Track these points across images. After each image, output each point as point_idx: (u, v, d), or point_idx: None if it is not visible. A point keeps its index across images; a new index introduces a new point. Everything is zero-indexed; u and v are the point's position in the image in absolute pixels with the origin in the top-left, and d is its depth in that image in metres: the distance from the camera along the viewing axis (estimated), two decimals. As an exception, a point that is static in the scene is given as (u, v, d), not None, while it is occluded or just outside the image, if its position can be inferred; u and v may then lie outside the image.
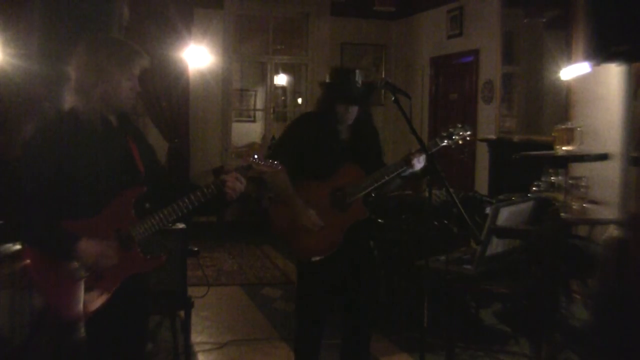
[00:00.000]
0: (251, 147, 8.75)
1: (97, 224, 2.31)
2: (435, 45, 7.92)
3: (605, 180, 4.75)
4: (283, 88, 11.69)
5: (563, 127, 5.14)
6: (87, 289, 2.30)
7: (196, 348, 4.29)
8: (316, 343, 3.42)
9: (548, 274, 3.79)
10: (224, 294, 5.58)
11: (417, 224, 4.72)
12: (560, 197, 4.58)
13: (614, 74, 4.75)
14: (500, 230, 3.73)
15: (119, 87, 2.34)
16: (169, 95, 7.83)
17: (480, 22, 6.98)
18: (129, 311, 2.42)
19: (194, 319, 4.26)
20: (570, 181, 4.70)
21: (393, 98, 2.84)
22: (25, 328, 3.03)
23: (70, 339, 2.29)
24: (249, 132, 10.63)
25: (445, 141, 3.31)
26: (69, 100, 2.35)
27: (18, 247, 3.12)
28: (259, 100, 11.18)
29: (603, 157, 4.96)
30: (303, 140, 3.30)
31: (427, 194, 3.00)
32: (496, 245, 3.84)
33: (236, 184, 2.44)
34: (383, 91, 8.70)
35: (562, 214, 4.31)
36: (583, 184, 4.66)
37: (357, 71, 3.33)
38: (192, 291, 3.98)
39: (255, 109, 11.38)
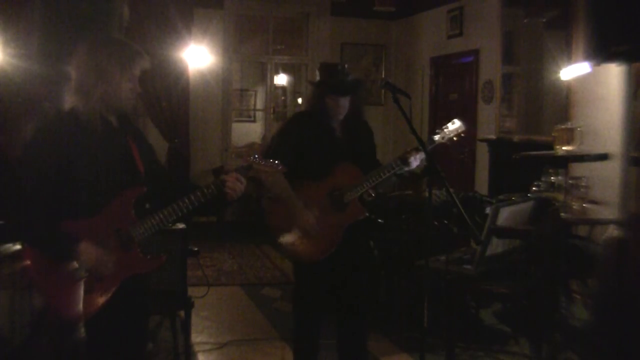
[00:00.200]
0: (251, 147, 8.74)
1: (97, 224, 2.31)
2: (435, 45, 7.92)
3: (605, 180, 4.75)
4: (283, 88, 11.69)
5: (563, 127, 5.14)
6: (87, 289, 2.30)
7: (196, 348, 4.29)
8: (315, 342, 3.41)
9: (548, 274, 3.80)
10: (224, 294, 5.58)
11: (417, 224, 4.72)
12: (560, 197, 4.58)
13: (614, 74, 4.75)
14: (500, 230, 3.73)
15: (119, 88, 2.34)
16: (169, 95, 7.83)
17: (480, 22, 6.98)
18: (129, 311, 2.42)
19: (194, 319, 4.26)
20: (570, 181, 4.70)
21: (393, 98, 2.84)
22: (25, 328, 3.03)
23: (70, 339, 2.28)
24: (249, 132, 10.63)
25: (438, 137, 3.32)
26: (69, 100, 2.35)
27: (18, 247, 3.12)
28: (259, 100, 11.18)
29: (603, 157, 4.96)
30: (298, 140, 3.28)
31: (427, 194, 3.00)
32: (496, 245, 3.84)
33: (236, 184, 2.44)
34: (383, 91, 8.74)
35: (562, 214, 4.31)
36: (583, 184, 4.66)
37: (345, 65, 3.35)
38: (192, 291, 3.98)
39: (255, 109, 11.38)
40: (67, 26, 3.41)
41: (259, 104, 11.11)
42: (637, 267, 2.79)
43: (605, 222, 4.48)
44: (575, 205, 4.57)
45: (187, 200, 2.40)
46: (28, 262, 2.33)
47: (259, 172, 2.53)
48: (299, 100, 10.58)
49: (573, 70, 5.14)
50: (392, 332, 4.52)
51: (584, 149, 5.06)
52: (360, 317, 3.44)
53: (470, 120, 7.12)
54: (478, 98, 7.08)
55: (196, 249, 4.03)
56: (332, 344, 3.58)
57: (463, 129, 3.39)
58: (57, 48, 3.37)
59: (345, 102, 3.28)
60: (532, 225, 3.96)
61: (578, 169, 5.17)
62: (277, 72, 10.13)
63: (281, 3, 8.58)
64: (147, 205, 2.48)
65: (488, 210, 4.10)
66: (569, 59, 5.41)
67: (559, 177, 4.71)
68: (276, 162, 2.53)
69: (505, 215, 3.76)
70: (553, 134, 5.18)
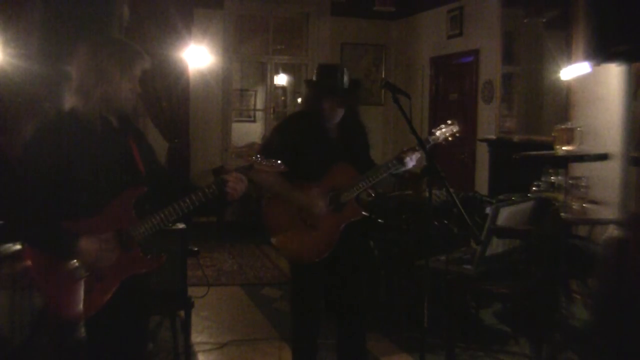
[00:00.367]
0: (251, 147, 8.71)
1: (97, 224, 2.31)
2: (435, 45, 7.92)
3: (605, 180, 4.75)
4: (283, 88, 11.68)
5: (563, 127, 5.14)
6: (87, 289, 2.30)
7: (196, 348, 4.29)
8: (313, 342, 3.41)
9: (548, 274, 3.80)
10: (224, 294, 5.58)
11: (417, 224, 4.72)
12: (560, 197, 4.58)
13: (614, 74, 4.75)
14: (500, 230, 3.73)
15: (119, 88, 2.34)
16: (169, 96, 7.83)
17: (480, 22, 6.98)
18: (129, 311, 2.42)
19: (194, 319, 4.26)
20: (570, 181, 4.70)
21: (393, 98, 2.83)
22: (25, 328, 3.03)
23: (70, 339, 2.29)
24: (249, 132, 10.62)
25: (432, 138, 3.33)
26: (69, 100, 2.35)
27: (18, 247, 3.12)
28: (259, 100, 11.17)
29: (603, 157, 4.96)
30: (293, 141, 3.26)
31: (427, 194, 3.00)
32: (496, 245, 3.84)
33: (238, 184, 2.44)
34: (383, 91, 8.75)
35: (562, 214, 4.31)
36: (583, 184, 4.66)
37: (344, 68, 3.32)
38: (192, 291, 3.98)
39: (255, 109, 11.37)
40: (67, 26, 3.41)
41: (259, 104, 11.10)
42: (637, 267, 2.79)
43: (605, 222, 4.48)
44: (575, 205, 4.57)
45: (188, 200, 2.39)
46: (28, 262, 2.33)
47: (260, 172, 2.52)
48: (299, 100, 10.57)
49: (573, 70, 5.14)
50: (392, 332, 4.52)
51: (584, 149, 5.06)
52: (360, 317, 3.44)
53: (470, 120, 7.13)
54: (478, 98, 7.09)
55: (196, 249, 4.03)
56: (331, 344, 3.58)
57: (457, 128, 3.40)
58: (57, 48, 3.37)
59: (342, 107, 3.28)
60: (532, 225, 3.96)
61: (578, 169, 5.17)
62: (277, 72, 10.13)
63: (281, 3, 8.58)
64: (147, 207, 2.48)
65: (488, 210, 4.10)
66: (569, 59, 5.41)
67: (559, 177, 4.71)
68: (278, 162, 2.52)
69: (505, 215, 3.76)
70: (553, 134, 5.18)
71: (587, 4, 3.28)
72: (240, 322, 4.87)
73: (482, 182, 6.80)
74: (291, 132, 3.32)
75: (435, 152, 3.27)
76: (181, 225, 3.76)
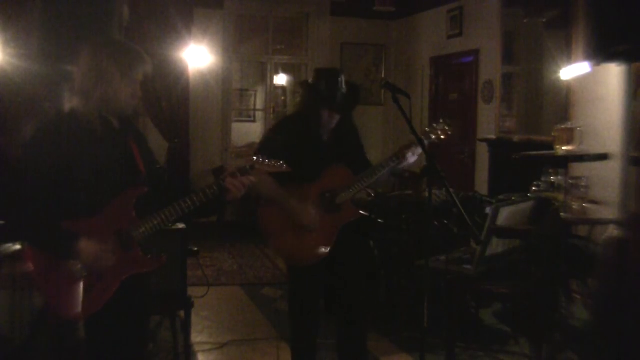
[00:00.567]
0: (251, 147, 8.71)
1: (97, 224, 2.31)
2: (435, 45, 7.92)
3: (605, 180, 4.75)
4: (283, 88, 11.68)
5: (563, 127, 5.14)
6: (87, 289, 2.30)
7: (196, 348, 4.29)
8: (313, 343, 3.41)
9: (548, 274, 3.80)
10: (224, 294, 5.58)
11: (417, 224, 4.72)
12: (560, 197, 4.58)
13: (614, 74, 4.75)
14: (500, 230, 3.74)
15: (119, 90, 2.34)
16: (169, 96, 7.83)
17: (480, 22, 6.98)
18: (129, 311, 2.42)
19: (194, 319, 4.26)
20: (570, 181, 4.71)
21: (393, 98, 2.83)
22: (25, 328, 3.04)
23: (70, 339, 2.29)
24: (249, 132, 10.61)
25: (425, 137, 3.31)
26: (69, 100, 2.35)
27: (18, 247, 3.12)
28: (259, 100, 11.17)
29: (603, 157, 4.96)
30: (287, 144, 3.23)
31: (427, 194, 3.00)
32: (496, 245, 3.84)
33: (239, 184, 2.44)
34: (383, 91, 8.75)
35: (562, 214, 4.31)
36: (583, 184, 4.67)
37: (342, 75, 3.30)
38: (192, 291, 3.98)
39: (255, 109, 11.37)
40: (67, 26, 3.40)
41: (259, 104, 11.10)
42: (637, 267, 2.79)
43: (605, 222, 4.48)
44: (575, 205, 4.57)
45: (188, 201, 2.40)
46: (28, 263, 2.33)
47: (261, 172, 2.52)
48: (296, 101, 10.57)
49: (573, 70, 5.14)
50: (392, 332, 4.52)
51: (584, 149, 5.06)
52: (360, 318, 3.43)
53: (470, 120, 7.13)
54: (478, 98, 7.08)
55: (196, 249, 4.03)
56: (331, 344, 3.58)
57: (450, 127, 3.39)
58: (57, 48, 3.37)
59: (340, 114, 3.28)
60: (532, 225, 3.96)
61: (578, 169, 5.17)
62: (277, 72, 10.13)
63: (281, 3, 8.58)
64: (148, 206, 2.47)
65: (488, 210, 4.10)
66: (569, 59, 5.41)
67: (559, 177, 4.71)
68: (280, 162, 2.52)
69: (505, 215, 3.76)
70: (553, 134, 5.18)
71: (587, 4, 3.28)
72: (240, 322, 4.87)
73: (482, 182, 6.80)
74: (285, 136, 3.30)
75: (435, 152, 3.26)
76: (181, 226, 3.75)
